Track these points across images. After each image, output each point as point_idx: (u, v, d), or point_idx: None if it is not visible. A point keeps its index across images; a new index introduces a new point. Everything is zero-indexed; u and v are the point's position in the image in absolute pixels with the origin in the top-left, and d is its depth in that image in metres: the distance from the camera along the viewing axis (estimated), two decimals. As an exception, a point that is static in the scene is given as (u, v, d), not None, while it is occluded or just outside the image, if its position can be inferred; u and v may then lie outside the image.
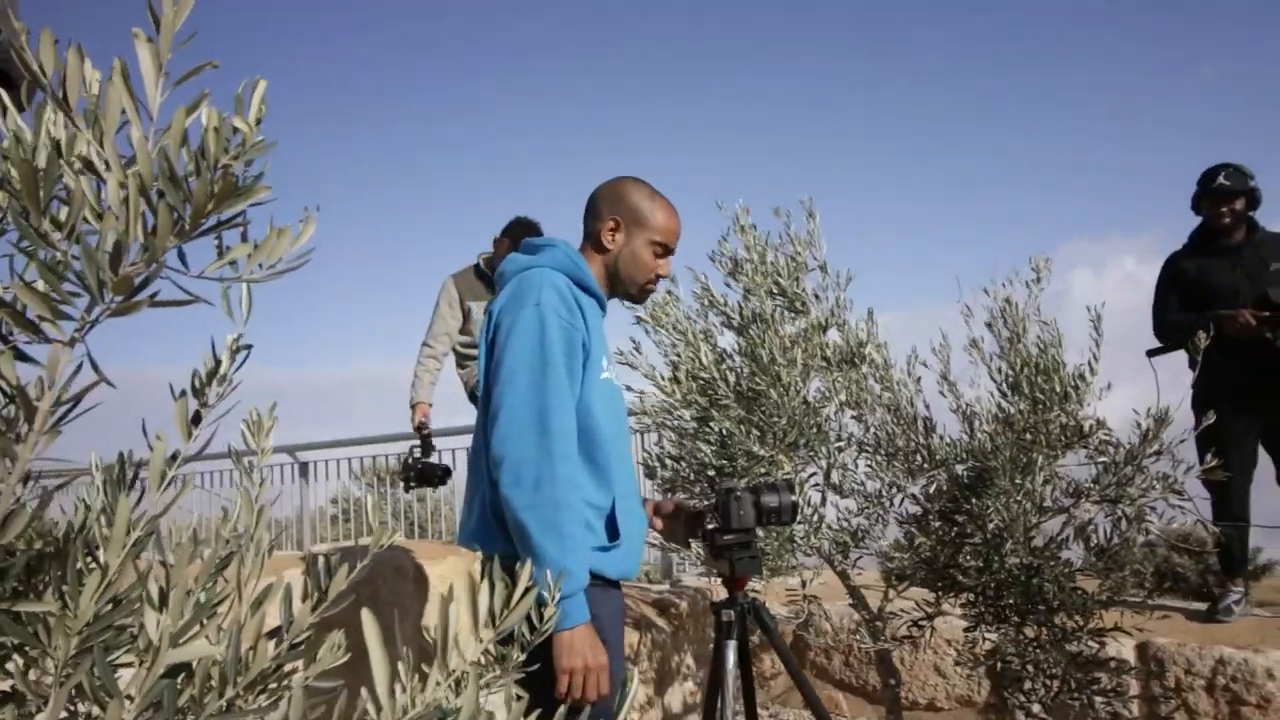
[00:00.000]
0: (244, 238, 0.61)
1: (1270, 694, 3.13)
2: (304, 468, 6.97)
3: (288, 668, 0.72)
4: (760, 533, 2.74)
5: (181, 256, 0.59)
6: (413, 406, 4.14)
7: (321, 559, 0.78)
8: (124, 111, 0.56)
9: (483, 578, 0.79)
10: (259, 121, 0.59)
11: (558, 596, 1.50)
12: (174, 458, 0.75)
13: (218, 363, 0.73)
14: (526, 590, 0.73)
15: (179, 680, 0.70)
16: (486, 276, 4.19)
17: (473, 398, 4.35)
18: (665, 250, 1.84)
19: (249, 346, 0.77)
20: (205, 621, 0.69)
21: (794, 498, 1.91)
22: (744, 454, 2.70)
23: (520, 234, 3.88)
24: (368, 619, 0.68)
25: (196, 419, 0.75)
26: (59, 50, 0.56)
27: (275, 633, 0.73)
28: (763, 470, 2.70)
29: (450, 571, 3.57)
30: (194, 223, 0.55)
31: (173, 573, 0.67)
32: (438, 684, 0.65)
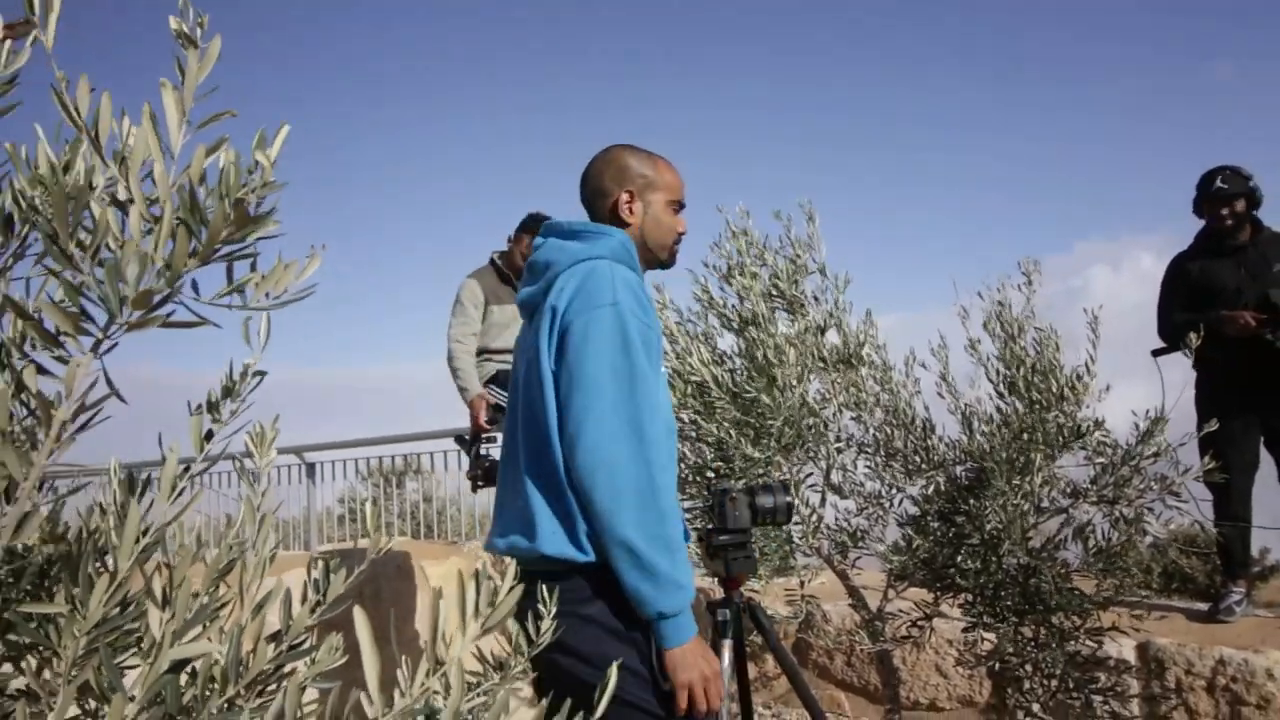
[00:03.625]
0: (253, 268, 0.65)
1: (1270, 694, 3.14)
2: (310, 468, 7.02)
3: (287, 668, 0.75)
4: (757, 533, 2.77)
5: (194, 285, 0.62)
6: (470, 402, 3.89)
7: (321, 563, 0.81)
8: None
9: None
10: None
11: (669, 612, 1.47)
12: (185, 469, 0.78)
13: (233, 383, 0.76)
14: (512, 587, 0.76)
15: (182, 680, 0.73)
16: (505, 275, 4.08)
17: None
18: (680, 206, 1.81)
19: (263, 373, 0.80)
20: (208, 624, 0.72)
21: (789, 498, 1.93)
22: (740, 456, 2.73)
23: (536, 230, 3.80)
24: (360, 618, 0.71)
25: (209, 435, 0.78)
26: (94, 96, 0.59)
27: (276, 635, 0.77)
28: (760, 472, 2.73)
29: (452, 572, 3.61)
30: (209, 248, 0.59)
31: (176, 574, 0.70)
32: (423, 682, 0.69)
